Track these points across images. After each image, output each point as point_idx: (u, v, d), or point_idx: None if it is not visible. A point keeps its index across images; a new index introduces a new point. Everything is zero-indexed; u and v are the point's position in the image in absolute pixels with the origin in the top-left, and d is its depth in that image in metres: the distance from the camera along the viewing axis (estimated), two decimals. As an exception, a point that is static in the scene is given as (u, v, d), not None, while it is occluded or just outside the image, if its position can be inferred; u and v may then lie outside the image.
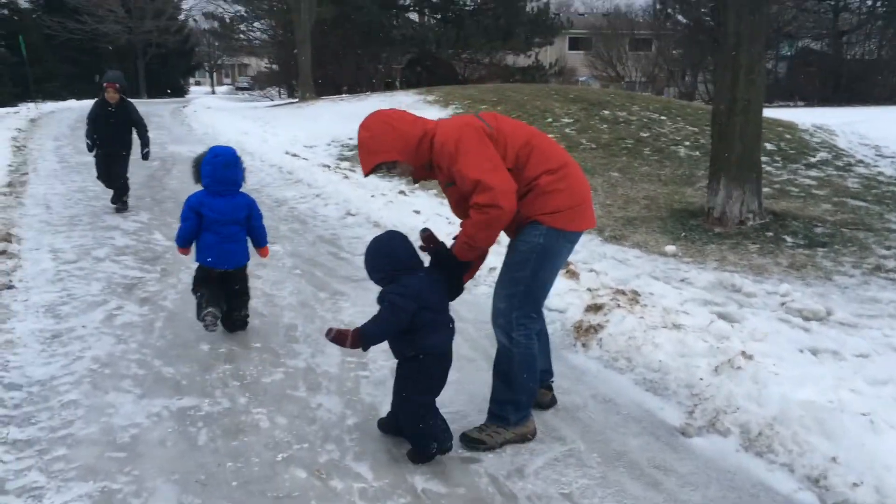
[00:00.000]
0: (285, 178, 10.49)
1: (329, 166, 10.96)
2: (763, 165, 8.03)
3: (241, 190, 4.61)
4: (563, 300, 4.97)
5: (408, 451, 3.11)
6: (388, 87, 34.78)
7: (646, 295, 5.00)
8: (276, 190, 9.82)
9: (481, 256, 3.24)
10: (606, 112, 15.20)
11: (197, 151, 5.06)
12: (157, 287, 5.49)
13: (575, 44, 48.08)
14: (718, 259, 6.36)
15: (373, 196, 8.46)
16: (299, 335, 4.56)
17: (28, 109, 22.92)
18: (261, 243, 4.79)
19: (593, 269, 5.64)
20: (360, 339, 2.91)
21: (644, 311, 4.56)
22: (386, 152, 3.02)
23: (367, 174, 3.11)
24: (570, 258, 6.16)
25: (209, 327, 4.25)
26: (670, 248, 6.60)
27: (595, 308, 4.69)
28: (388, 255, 3.02)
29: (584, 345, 4.38)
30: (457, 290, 3.18)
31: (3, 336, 4.34)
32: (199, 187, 4.51)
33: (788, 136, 12.92)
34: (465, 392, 3.75)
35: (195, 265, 4.62)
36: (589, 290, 5.06)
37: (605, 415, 3.54)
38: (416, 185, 9.62)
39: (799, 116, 16.12)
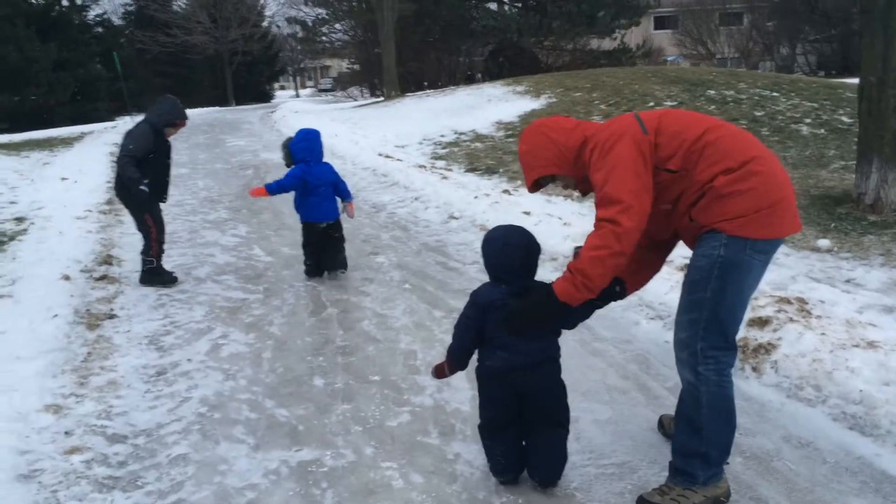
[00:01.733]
0: (380, 182, 10.08)
1: (425, 167, 10.49)
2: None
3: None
4: (717, 313, 4.30)
5: None
6: (470, 80, 34.30)
7: (815, 303, 4.28)
8: (373, 194, 9.42)
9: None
10: (712, 92, 14.19)
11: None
12: (262, 310, 5.11)
13: (661, 23, 46.24)
14: (883, 253, 5.53)
15: (476, 197, 7.92)
16: (420, 364, 4.07)
17: (125, 123, 23.51)
18: (348, 197, 5.98)
19: (741, 273, 4.94)
20: (449, 357, 2.86)
21: (822, 325, 3.85)
22: (543, 167, 2.80)
23: (530, 191, 2.93)
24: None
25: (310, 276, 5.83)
26: (823, 243, 5.79)
27: (760, 322, 4.01)
28: (488, 254, 2.79)
29: (754, 369, 3.71)
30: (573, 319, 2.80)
31: (106, 375, 4.02)
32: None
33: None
34: (625, 435, 3.17)
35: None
36: (746, 299, 4.37)
37: (808, 464, 2.88)
38: (520, 183, 9.05)
39: None
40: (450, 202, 8.03)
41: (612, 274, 2.54)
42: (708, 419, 2.58)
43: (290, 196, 5.94)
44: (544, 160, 2.78)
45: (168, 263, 6.44)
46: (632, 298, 4.82)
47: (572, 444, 3.08)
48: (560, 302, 2.59)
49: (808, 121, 11.46)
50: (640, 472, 2.87)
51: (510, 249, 2.73)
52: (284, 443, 3.26)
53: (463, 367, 2.87)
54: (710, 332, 2.55)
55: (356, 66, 40.68)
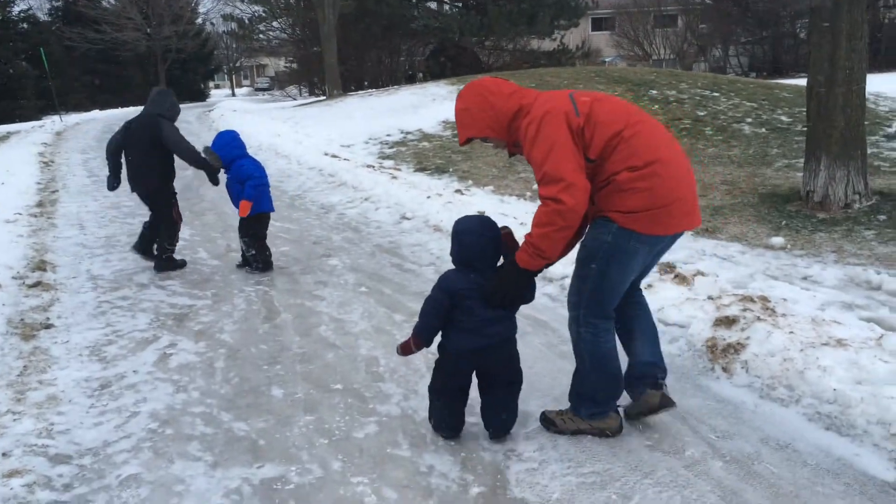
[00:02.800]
0: (328, 182, 9.84)
1: (373, 166, 10.30)
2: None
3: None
4: (683, 313, 4.26)
5: None
6: (410, 80, 34.13)
7: (777, 301, 4.28)
8: (321, 195, 9.18)
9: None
10: (654, 91, 14.38)
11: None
12: (212, 316, 4.87)
13: (599, 24, 46.85)
14: (835, 250, 5.60)
15: (428, 197, 7.77)
16: (383, 371, 3.90)
17: (53, 123, 22.60)
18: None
19: (700, 272, 4.92)
20: (416, 336, 3.00)
21: (789, 323, 3.83)
22: (476, 127, 2.93)
23: (462, 144, 3.06)
24: (668, 258, 5.48)
25: None
26: (777, 241, 5.84)
27: (727, 322, 3.97)
28: (464, 244, 2.94)
29: (724, 369, 3.66)
30: (521, 297, 2.99)
31: (45, 390, 3.73)
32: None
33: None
34: (602, 442, 3.07)
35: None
36: (710, 298, 4.35)
37: (790, 467, 2.83)
38: (471, 183, 8.94)
39: None
40: (401, 202, 7.86)
41: (561, 245, 2.77)
42: (591, 370, 3.00)
43: (225, 195, 6.07)
44: (480, 121, 2.90)
45: (107, 268, 6.14)
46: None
47: (549, 453, 2.98)
48: (524, 270, 2.83)
49: (749, 120, 11.69)
50: (622, 479, 2.77)
51: (484, 241, 2.91)
52: (245, 459, 3.06)
53: (429, 345, 3.04)
54: (591, 303, 2.91)
55: (294, 65, 40.06)
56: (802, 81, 17.68)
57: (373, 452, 3.06)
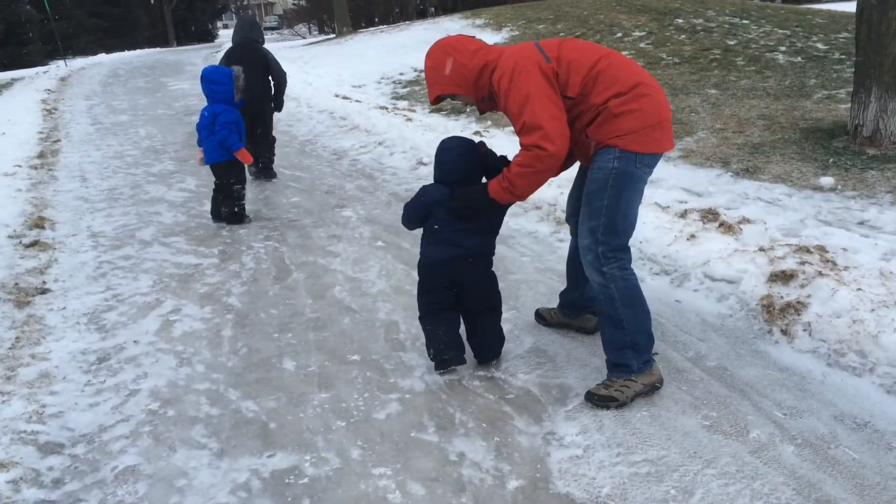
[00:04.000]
0: (339, 126, 9.39)
1: (386, 108, 9.81)
2: None
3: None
4: (732, 267, 3.87)
5: None
6: (422, 14, 33.16)
7: (836, 251, 3.87)
8: (332, 139, 8.76)
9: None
10: (680, 20, 13.64)
11: None
12: (218, 277, 4.54)
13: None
14: (890, 190, 5.14)
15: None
16: (404, 338, 3.57)
17: (58, 68, 22.11)
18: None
19: (746, 218, 4.51)
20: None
21: (854, 278, 3.44)
22: (444, 85, 2.96)
23: (431, 102, 3.07)
24: (709, 204, 5.06)
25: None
26: (826, 181, 5.38)
27: (784, 277, 3.58)
28: (442, 161, 3.11)
29: (784, 332, 3.29)
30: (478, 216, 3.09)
31: (38, 366, 3.43)
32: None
33: None
34: (654, 423, 2.73)
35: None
36: (761, 249, 3.94)
37: (873, 451, 2.47)
38: (490, 124, 8.47)
39: None
40: (417, 147, 7.43)
41: (535, 188, 2.87)
42: (624, 312, 2.85)
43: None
44: (446, 79, 2.93)
45: (109, 224, 5.81)
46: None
47: (594, 436, 2.65)
48: (491, 198, 2.94)
49: (782, 49, 11.02)
50: (680, 469, 2.43)
51: (457, 156, 3.07)
52: (254, 446, 2.75)
53: (409, 229, 3.30)
54: (608, 236, 2.83)
55: (302, 2, 39.06)
56: (834, 6, 16.83)
57: (396, 437, 2.74)
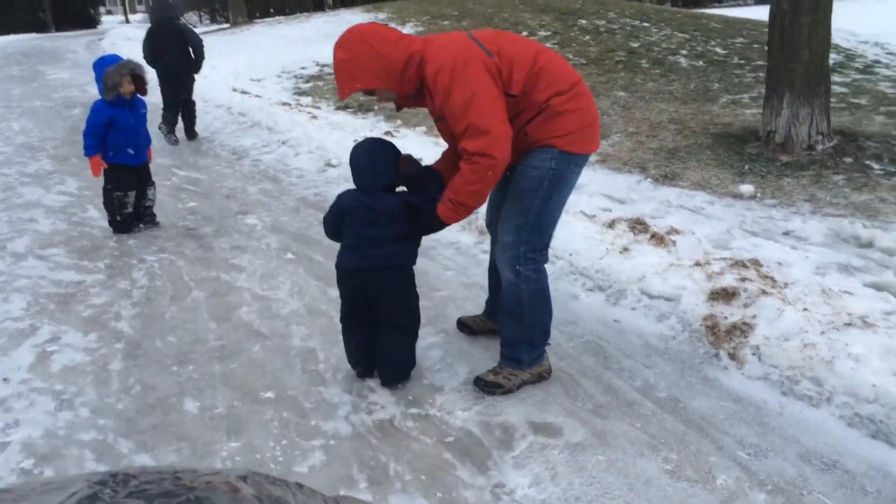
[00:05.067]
0: (238, 122, 8.80)
1: (290, 104, 9.28)
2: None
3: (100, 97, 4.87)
4: (668, 283, 3.69)
5: None
6: (319, 6, 32.43)
7: (772, 265, 3.76)
8: (231, 137, 8.18)
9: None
10: (584, 21, 13.70)
11: None
12: (105, 297, 4.01)
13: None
14: (808, 199, 5.14)
15: (355, 141, 6.91)
16: (324, 369, 3.19)
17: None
18: None
19: (675, 229, 4.37)
20: None
21: (797, 296, 3.31)
22: (364, 78, 2.65)
23: (342, 99, 2.76)
24: (636, 213, 4.90)
25: None
26: (746, 189, 5.34)
27: (725, 295, 3.42)
28: (356, 164, 2.89)
29: (732, 356, 3.11)
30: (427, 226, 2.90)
31: None
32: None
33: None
34: (612, 467, 2.47)
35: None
36: (697, 264, 3.78)
37: (849, 497, 2.29)
38: (400, 123, 8.12)
39: (764, 14, 14.97)
40: (324, 147, 7.00)
41: (486, 197, 2.78)
42: (529, 311, 2.87)
43: None
44: (367, 72, 2.64)
45: (-26, 235, 5.10)
46: (563, 266, 4.16)
47: (549, 488, 2.36)
48: (444, 223, 2.79)
49: (683, 52, 11.19)
50: None
51: (369, 159, 2.86)
52: (152, 514, 2.32)
53: (334, 241, 3.06)
54: (533, 236, 2.79)
55: (194, -11, 37.38)
56: (725, 11, 17.35)
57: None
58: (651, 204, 5.11)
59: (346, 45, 2.67)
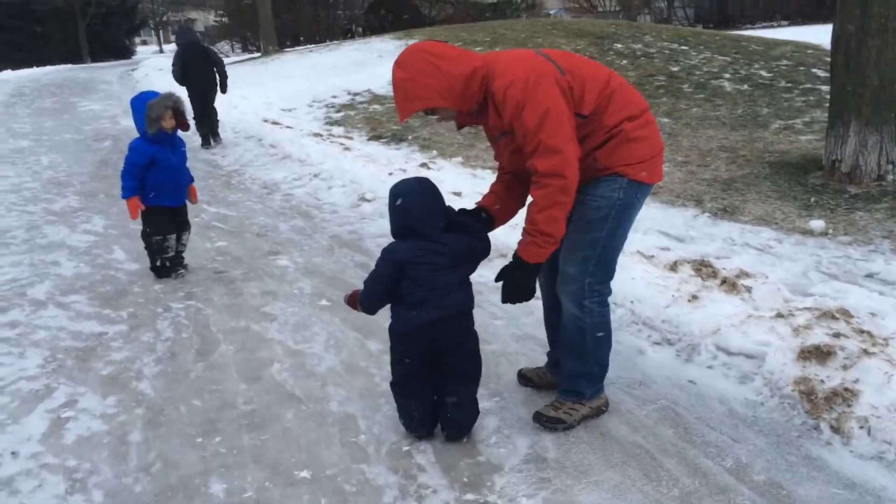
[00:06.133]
0: (270, 154, 8.56)
1: (321, 135, 9.04)
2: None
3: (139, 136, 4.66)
4: (748, 337, 3.29)
5: None
6: (349, 34, 32.55)
7: (864, 316, 3.35)
8: (261, 170, 7.93)
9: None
10: (619, 45, 13.37)
11: None
12: (127, 352, 3.70)
13: (542, -25, 45.46)
14: (886, 235, 4.70)
15: (390, 174, 6.61)
16: (365, 441, 2.83)
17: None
18: None
19: (745, 272, 3.97)
20: (361, 307, 2.77)
21: (901, 356, 2.90)
22: (426, 98, 2.55)
23: (403, 120, 2.66)
24: (700, 252, 4.51)
25: None
26: (817, 225, 4.91)
27: (818, 354, 3.01)
28: (397, 208, 2.63)
29: (835, 429, 2.70)
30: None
31: None
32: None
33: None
34: None
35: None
36: (779, 315, 3.38)
37: None
38: (435, 154, 7.81)
39: (799, 35, 14.65)
40: (358, 180, 6.70)
41: (565, 223, 2.56)
42: (592, 345, 2.77)
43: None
44: (429, 89, 2.53)
45: (-7, 280, 4.85)
46: (624, 315, 3.77)
47: None
48: (533, 264, 2.60)
49: (727, 76, 10.80)
50: None
51: (427, 200, 2.63)
52: None
53: (372, 314, 2.81)
54: (599, 268, 2.70)
55: (225, 19, 37.82)
56: (758, 32, 16.92)
57: None
58: (714, 242, 4.70)
59: (406, 63, 2.58)
